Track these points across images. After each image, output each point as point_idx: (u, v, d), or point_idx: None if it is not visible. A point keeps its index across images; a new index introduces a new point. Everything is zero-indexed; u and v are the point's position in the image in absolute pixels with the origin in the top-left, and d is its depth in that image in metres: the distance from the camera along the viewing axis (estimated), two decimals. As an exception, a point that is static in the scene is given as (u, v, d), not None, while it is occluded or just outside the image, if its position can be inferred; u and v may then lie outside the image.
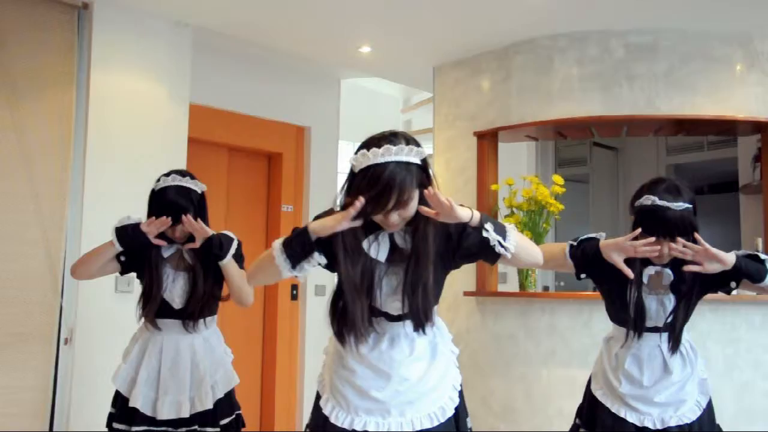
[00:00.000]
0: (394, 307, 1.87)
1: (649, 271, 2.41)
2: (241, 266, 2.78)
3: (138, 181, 3.54)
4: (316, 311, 5.09)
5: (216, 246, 2.70)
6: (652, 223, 2.26)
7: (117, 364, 2.78)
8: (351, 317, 1.84)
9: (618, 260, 2.30)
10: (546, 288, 5.52)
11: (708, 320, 3.85)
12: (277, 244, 1.85)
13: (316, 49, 4.62)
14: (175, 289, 2.72)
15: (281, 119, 5.10)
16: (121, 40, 3.88)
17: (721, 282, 2.36)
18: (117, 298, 3.71)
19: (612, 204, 6.43)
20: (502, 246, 1.82)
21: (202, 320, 2.75)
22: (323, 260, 1.85)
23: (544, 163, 5.77)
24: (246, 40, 4.42)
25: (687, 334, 2.46)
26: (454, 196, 4.43)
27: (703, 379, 2.47)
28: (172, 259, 2.76)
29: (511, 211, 4.21)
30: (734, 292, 2.42)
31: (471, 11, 3.94)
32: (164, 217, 2.63)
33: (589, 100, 4.15)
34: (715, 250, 2.24)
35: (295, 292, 5.12)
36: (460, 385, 1.97)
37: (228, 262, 2.72)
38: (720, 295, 2.45)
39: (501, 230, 1.83)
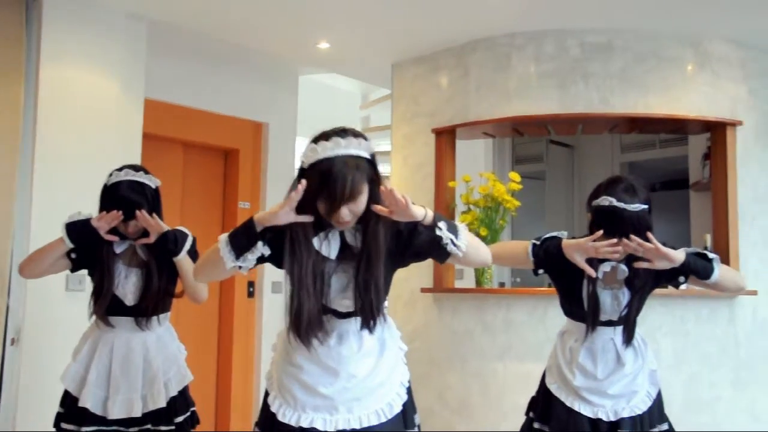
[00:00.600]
0: (343, 304, 1.88)
1: (605, 267, 2.48)
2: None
3: (90, 177, 3.46)
4: (272, 308, 5.06)
5: (171, 241, 2.66)
6: (609, 223, 2.35)
7: (67, 363, 2.73)
8: (306, 316, 1.84)
9: (580, 261, 2.38)
10: (502, 284, 5.58)
11: (658, 313, 3.94)
12: (223, 236, 1.86)
13: (274, 45, 4.60)
14: (127, 286, 2.68)
15: (238, 115, 5.05)
16: (72, 32, 3.80)
17: (671, 277, 2.43)
18: (68, 297, 3.64)
19: (567, 200, 6.51)
20: (455, 245, 1.83)
21: (155, 317, 2.71)
22: (267, 251, 1.85)
23: (501, 160, 5.82)
24: (202, 34, 4.37)
25: (638, 327, 2.52)
26: (412, 193, 4.45)
27: (653, 370, 2.54)
28: (125, 255, 2.72)
29: (468, 208, 4.24)
30: (683, 287, 2.48)
31: (429, 8, 3.96)
32: (115, 211, 2.59)
33: (545, 97, 4.20)
34: (665, 249, 2.31)
35: (251, 289, 5.09)
36: (408, 382, 1.99)
37: (182, 258, 2.69)
38: (670, 289, 2.52)
39: (453, 229, 1.85)
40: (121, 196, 2.61)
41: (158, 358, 2.70)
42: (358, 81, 5.75)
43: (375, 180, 1.83)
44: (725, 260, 4.05)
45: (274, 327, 5.00)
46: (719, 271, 2.41)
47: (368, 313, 1.86)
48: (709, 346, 4.00)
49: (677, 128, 4.40)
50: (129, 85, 4.01)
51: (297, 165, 1.92)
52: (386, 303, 2.00)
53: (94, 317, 2.71)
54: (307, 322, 1.85)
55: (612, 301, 2.46)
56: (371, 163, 1.84)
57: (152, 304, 2.69)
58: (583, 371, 2.48)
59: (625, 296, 2.46)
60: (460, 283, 4.94)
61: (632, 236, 2.31)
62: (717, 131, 4.21)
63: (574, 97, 4.17)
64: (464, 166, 4.58)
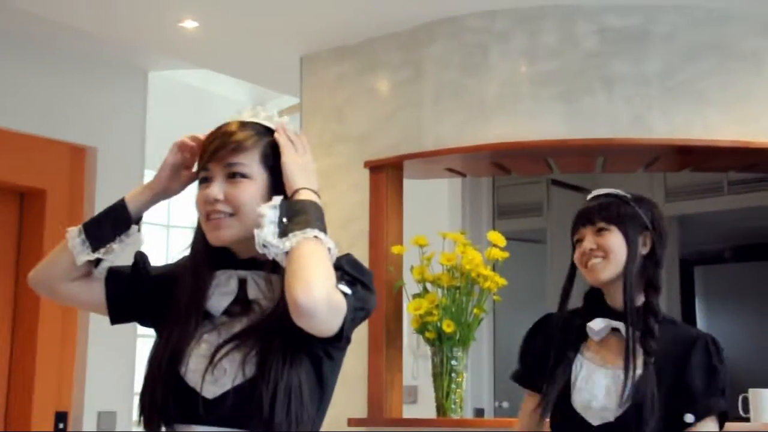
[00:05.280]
0: (209, 380, 1.91)
1: (595, 326, 2.65)
2: None
3: None
4: (99, 456, 4.96)
5: None
6: (575, 222, 2.71)
7: None
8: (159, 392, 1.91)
9: None
10: (480, 412, 5.59)
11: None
12: (74, 228, 2.03)
13: (106, 22, 4.59)
14: None
15: (44, 134, 4.99)
16: None
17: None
18: None
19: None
20: (266, 243, 1.87)
21: None
22: (140, 239, 2.05)
23: (475, 211, 5.87)
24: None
25: None
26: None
27: None
28: None
29: (423, 288, 4.27)
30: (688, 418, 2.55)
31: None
32: None
33: (544, 114, 4.29)
34: None
35: (61, 425, 4.97)
36: None
37: None
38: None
39: (297, 221, 1.89)
40: None
41: None
42: (247, 83, 5.78)
43: (275, 166, 1.99)
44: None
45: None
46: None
47: (260, 402, 1.85)
48: None
49: (754, 163, 4.51)
50: None
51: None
52: None
53: None
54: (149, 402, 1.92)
55: (611, 385, 2.57)
56: (273, 145, 2.01)
57: None
58: None
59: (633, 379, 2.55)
60: (411, 409, 4.92)
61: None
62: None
63: (589, 113, 4.27)
64: (417, 222, 4.63)
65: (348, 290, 1.88)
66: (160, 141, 5.56)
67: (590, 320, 2.66)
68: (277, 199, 1.89)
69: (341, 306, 1.83)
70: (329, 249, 1.86)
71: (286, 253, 1.83)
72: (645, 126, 4.24)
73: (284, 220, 1.86)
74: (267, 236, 1.84)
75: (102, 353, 5.01)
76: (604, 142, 4.25)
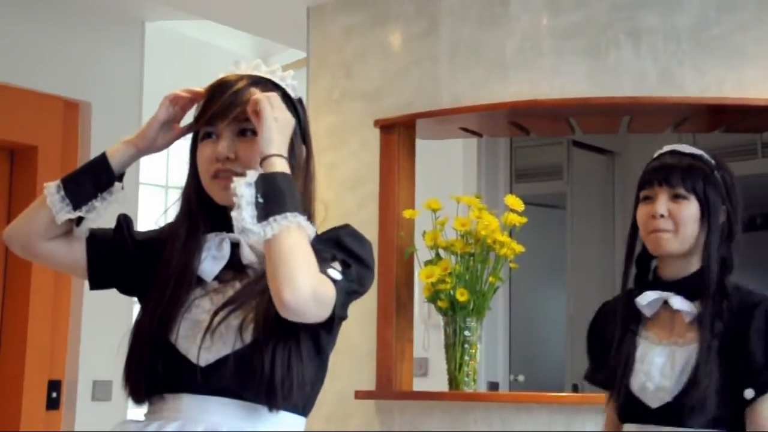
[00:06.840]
0: (204, 347, 1.94)
1: (647, 298, 2.55)
2: None
3: None
4: (93, 426, 4.99)
5: None
6: (648, 177, 2.55)
7: None
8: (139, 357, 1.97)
9: None
10: (494, 385, 5.61)
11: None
12: (52, 184, 2.06)
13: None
14: None
15: (35, 88, 5.01)
16: None
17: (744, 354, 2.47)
18: None
19: (605, 242, 6.60)
20: (245, 229, 1.85)
21: None
22: (124, 197, 2.07)
23: (492, 174, 5.89)
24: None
25: None
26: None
27: None
28: None
29: (436, 254, 4.30)
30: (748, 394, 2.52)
31: None
32: None
33: (566, 70, 4.30)
34: None
35: (54, 394, 5.00)
36: None
37: None
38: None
39: (276, 202, 1.87)
40: None
41: None
42: (250, 35, 5.78)
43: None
44: None
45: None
46: None
47: (261, 363, 1.90)
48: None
49: (794, 123, 4.49)
50: None
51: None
52: (303, 421, 2.04)
53: None
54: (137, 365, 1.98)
55: (666, 363, 2.51)
56: (290, 101, 2.06)
57: None
58: None
59: (687, 355, 2.50)
60: (422, 382, 4.95)
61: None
62: None
63: (615, 69, 4.26)
64: (430, 185, 4.66)
65: (338, 276, 1.91)
66: (158, 96, 5.58)
67: (640, 294, 2.56)
68: (252, 175, 1.86)
69: (329, 296, 1.87)
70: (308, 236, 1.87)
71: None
72: (675, 83, 4.23)
73: (260, 200, 1.84)
74: (245, 221, 1.83)
75: (97, 319, 5.01)
76: (630, 101, 4.24)
